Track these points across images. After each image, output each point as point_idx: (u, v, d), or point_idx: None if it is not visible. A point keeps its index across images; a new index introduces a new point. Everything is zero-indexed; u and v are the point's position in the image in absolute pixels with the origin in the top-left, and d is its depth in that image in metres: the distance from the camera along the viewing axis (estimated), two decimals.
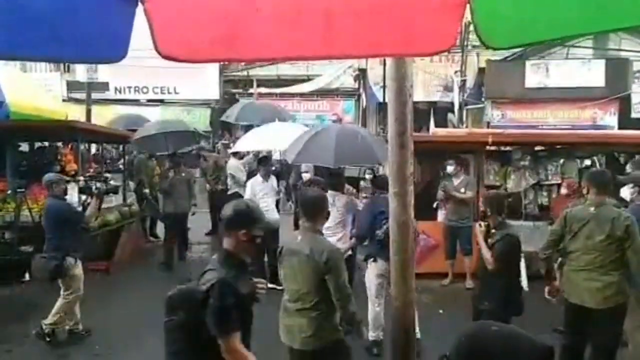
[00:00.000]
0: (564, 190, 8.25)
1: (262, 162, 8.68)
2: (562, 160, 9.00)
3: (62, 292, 5.99)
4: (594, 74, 15.40)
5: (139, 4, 1.57)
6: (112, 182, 7.36)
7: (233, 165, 10.49)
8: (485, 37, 2.08)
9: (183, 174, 9.52)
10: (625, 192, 5.78)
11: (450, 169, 8.47)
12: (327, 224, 5.66)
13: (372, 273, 5.91)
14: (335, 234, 6.13)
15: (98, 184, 6.51)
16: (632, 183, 5.75)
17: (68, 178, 6.83)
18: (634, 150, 9.75)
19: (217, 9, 1.67)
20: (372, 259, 5.88)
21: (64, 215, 5.95)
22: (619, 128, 14.78)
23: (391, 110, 2.78)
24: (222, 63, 16.23)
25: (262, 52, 1.81)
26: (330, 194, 5.90)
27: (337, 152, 6.27)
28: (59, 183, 6.14)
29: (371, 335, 5.75)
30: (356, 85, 18.56)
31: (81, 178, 7.37)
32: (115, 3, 1.56)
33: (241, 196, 10.44)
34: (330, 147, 6.32)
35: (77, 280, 6.03)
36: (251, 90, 18.11)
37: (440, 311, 7.18)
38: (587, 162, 9.96)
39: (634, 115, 15.30)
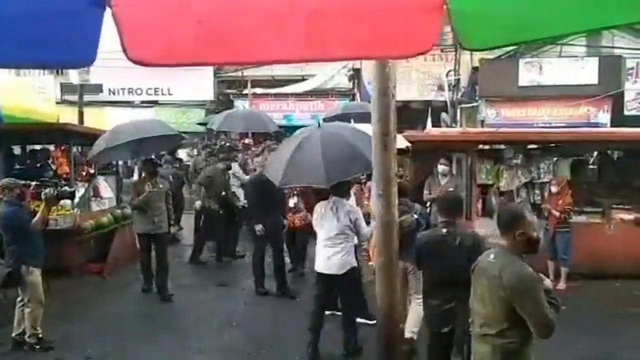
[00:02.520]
0: (553, 188, 8.30)
1: None
2: (554, 159, 9.03)
3: (25, 303, 5.90)
4: (587, 72, 15.40)
5: (107, 8, 1.57)
6: (65, 188, 6.93)
7: (235, 168, 10.65)
8: (463, 39, 2.10)
9: (161, 186, 8.11)
10: None
11: (442, 168, 8.49)
12: (327, 235, 5.66)
13: None
14: (335, 245, 5.63)
15: (46, 190, 6.14)
16: None
17: (24, 182, 6.57)
18: (627, 148, 9.80)
19: (191, 12, 1.68)
20: None
21: (15, 221, 5.81)
22: (612, 125, 14.78)
23: (374, 111, 2.80)
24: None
25: (238, 55, 1.82)
26: (332, 201, 5.76)
27: (327, 167, 5.40)
28: (12, 188, 5.95)
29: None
30: (351, 85, 18.56)
31: (32, 183, 6.95)
32: (83, 8, 1.56)
33: (237, 197, 10.41)
34: (317, 162, 5.45)
35: (32, 288, 5.86)
36: (245, 91, 18.11)
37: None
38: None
39: (626, 112, 15.32)
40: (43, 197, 5.97)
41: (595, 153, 10.50)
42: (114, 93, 18.32)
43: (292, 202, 8.62)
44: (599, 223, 8.70)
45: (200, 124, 17.41)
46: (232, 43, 1.75)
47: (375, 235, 2.87)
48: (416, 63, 16.69)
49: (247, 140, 14.17)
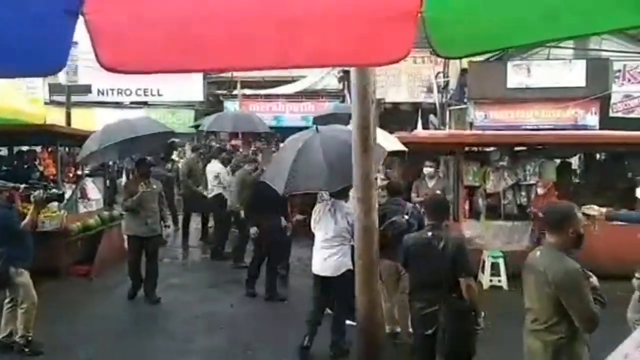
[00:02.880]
0: (539, 190, 8.38)
1: None
2: (540, 161, 9.10)
3: (18, 304, 5.88)
4: (575, 74, 15.51)
5: (80, 16, 1.58)
6: (54, 190, 6.81)
7: (218, 168, 10.51)
8: (438, 47, 2.13)
9: (154, 186, 7.84)
10: (638, 193, 5.90)
11: (427, 170, 8.54)
12: (324, 236, 5.68)
13: (383, 273, 6.02)
14: (332, 247, 5.64)
15: (36, 192, 6.09)
16: None
17: (13, 184, 6.55)
18: (611, 150, 9.90)
19: (163, 20, 1.69)
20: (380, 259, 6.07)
21: (4, 223, 5.78)
22: (600, 128, 14.92)
23: (354, 116, 2.82)
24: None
25: (210, 63, 1.83)
26: (331, 203, 5.76)
27: (331, 173, 5.30)
28: (1, 191, 5.97)
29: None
30: (341, 87, 18.61)
31: (21, 186, 6.69)
32: (55, 15, 1.57)
33: (224, 198, 10.45)
34: (321, 167, 5.36)
35: (24, 289, 5.84)
36: (235, 92, 18.08)
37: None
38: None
39: (612, 114, 15.46)
40: (32, 199, 5.94)
41: (581, 155, 10.60)
42: (103, 94, 18.25)
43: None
44: (584, 225, 8.75)
45: (193, 126, 17.42)
46: (204, 50, 1.77)
47: (355, 239, 2.89)
48: (406, 65, 16.77)
49: (234, 142, 14.16)
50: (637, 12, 2.04)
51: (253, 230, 7.86)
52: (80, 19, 1.61)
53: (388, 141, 7.49)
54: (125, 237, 8.14)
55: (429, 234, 4.45)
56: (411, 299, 4.65)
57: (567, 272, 3.22)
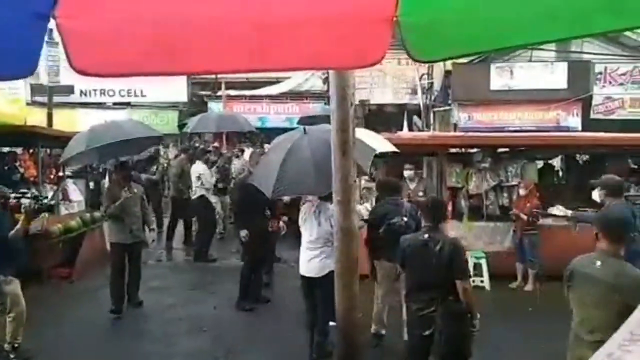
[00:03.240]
0: (521, 191, 8.46)
1: None
2: (522, 162, 9.19)
3: (5, 312, 5.79)
4: (557, 76, 15.71)
5: (51, 19, 1.57)
6: (44, 201, 6.66)
7: (201, 169, 10.45)
8: (412, 51, 2.14)
9: (135, 190, 7.59)
10: (595, 195, 6.01)
11: (408, 173, 8.59)
12: (308, 238, 5.65)
13: (379, 274, 6.24)
14: (316, 248, 5.58)
15: (27, 202, 6.01)
16: (599, 186, 5.98)
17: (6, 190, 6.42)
18: (592, 152, 10.03)
19: (138, 23, 1.68)
20: (378, 259, 6.19)
21: None
22: (582, 129, 15.12)
23: (333, 119, 2.83)
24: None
25: (186, 66, 1.83)
26: (316, 205, 5.71)
27: (319, 176, 5.08)
28: None
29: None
30: (325, 88, 18.60)
31: (11, 195, 6.55)
32: (26, 19, 1.55)
33: (208, 200, 10.41)
34: (309, 171, 5.24)
35: (12, 297, 5.76)
36: (220, 93, 18.01)
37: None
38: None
39: (593, 116, 15.67)
40: (23, 210, 5.92)
41: (563, 157, 10.72)
42: (85, 94, 18.05)
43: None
44: (566, 225, 8.86)
45: (180, 126, 17.35)
46: (179, 53, 1.76)
47: (335, 241, 2.90)
48: (390, 67, 16.86)
49: (217, 143, 14.12)
50: (614, 17, 2.07)
51: (243, 233, 7.63)
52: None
53: (377, 142, 7.54)
54: (108, 244, 7.89)
55: (426, 235, 4.47)
56: (407, 300, 4.69)
57: (638, 277, 3.25)
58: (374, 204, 7.03)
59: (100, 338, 6.53)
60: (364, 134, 7.56)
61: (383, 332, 6.22)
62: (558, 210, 6.98)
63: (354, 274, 2.87)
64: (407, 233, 5.14)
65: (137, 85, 17.83)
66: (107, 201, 7.51)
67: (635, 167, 9.63)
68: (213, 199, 11.07)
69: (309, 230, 5.69)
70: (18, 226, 5.78)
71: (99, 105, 18.02)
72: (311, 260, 5.64)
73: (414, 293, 4.55)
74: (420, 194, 8.33)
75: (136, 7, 1.73)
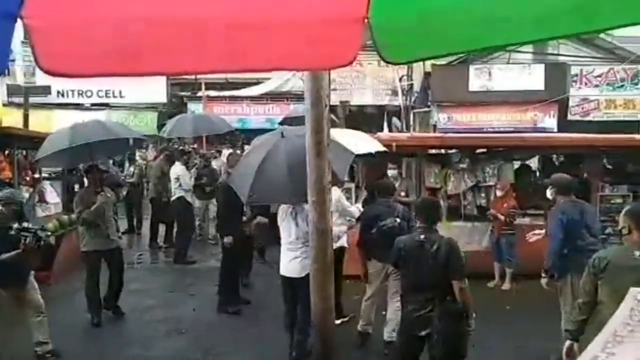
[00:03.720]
0: (498, 192, 8.57)
1: None
2: (499, 163, 9.30)
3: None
4: (534, 78, 15.95)
5: (19, 19, 1.56)
6: (46, 235, 6.22)
7: (179, 170, 10.40)
8: (383, 52, 2.16)
9: (109, 195, 7.26)
10: (547, 193, 6.17)
11: (391, 172, 8.64)
12: (287, 239, 5.60)
13: (370, 273, 6.28)
14: (296, 249, 5.47)
15: (27, 239, 5.48)
16: (550, 185, 6.14)
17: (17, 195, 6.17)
18: (567, 152, 10.19)
19: (108, 23, 1.68)
20: (369, 259, 6.21)
21: None
22: (558, 130, 15.35)
23: (308, 121, 2.84)
24: None
25: (157, 66, 1.83)
26: (293, 206, 5.60)
27: (293, 184, 5.03)
28: (10, 202, 5.73)
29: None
30: None
31: (14, 226, 5.75)
32: None
33: (186, 201, 10.35)
34: (284, 178, 5.16)
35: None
36: (199, 94, 17.90)
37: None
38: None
39: (570, 117, 15.92)
40: (22, 247, 5.51)
41: (540, 157, 10.87)
42: (63, 95, 17.83)
43: None
44: (542, 225, 8.97)
45: (158, 126, 17.19)
46: (150, 54, 1.76)
47: (310, 242, 2.90)
48: (370, 69, 16.95)
49: (196, 145, 14.04)
50: (582, 19, 2.11)
51: (229, 239, 7.46)
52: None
53: (365, 142, 7.58)
54: (82, 253, 7.32)
55: (422, 236, 4.47)
56: (403, 301, 4.71)
57: None
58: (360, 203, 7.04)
59: (78, 341, 6.47)
60: (350, 134, 7.60)
61: (370, 330, 6.27)
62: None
63: (330, 274, 2.88)
64: (400, 234, 5.13)
65: (115, 86, 17.65)
66: (80, 206, 7.07)
67: (610, 167, 9.80)
68: (198, 203, 11.03)
69: (287, 231, 5.70)
70: (13, 254, 5.53)
71: (77, 106, 17.82)
72: (292, 261, 5.64)
73: (409, 294, 4.56)
74: (402, 194, 8.39)
75: (105, 8, 1.72)
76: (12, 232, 5.56)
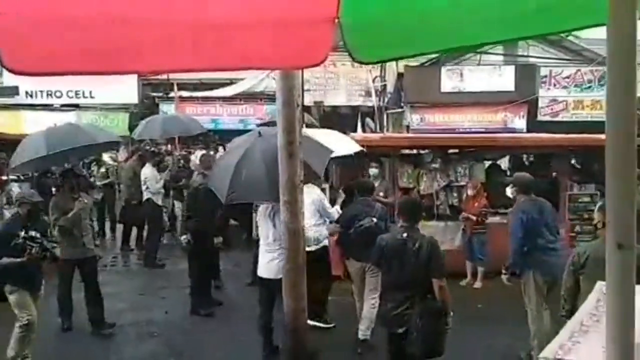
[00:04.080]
0: (470, 191, 8.68)
1: None
2: (470, 163, 9.42)
3: None
4: (504, 79, 16.14)
5: None
6: (52, 243, 5.81)
7: (147, 172, 10.21)
8: (354, 52, 2.17)
9: (86, 201, 7.03)
10: (508, 192, 6.41)
11: (373, 171, 8.69)
12: (265, 240, 5.49)
13: (350, 272, 6.36)
14: (274, 250, 5.32)
15: (34, 250, 5.38)
16: (511, 184, 6.34)
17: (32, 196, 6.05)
18: (537, 152, 10.37)
19: (74, 21, 1.64)
20: (347, 258, 6.29)
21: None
22: (528, 130, 15.58)
23: (279, 121, 2.84)
24: None
25: (125, 65, 1.81)
26: (271, 206, 5.45)
27: (270, 183, 4.93)
28: (25, 202, 5.65)
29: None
30: None
31: (22, 234, 5.57)
32: None
33: (155, 204, 10.08)
34: (261, 177, 5.10)
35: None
36: (172, 94, 17.69)
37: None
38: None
39: (540, 118, 16.18)
40: (26, 257, 5.42)
41: (510, 157, 11.04)
42: (31, 96, 17.40)
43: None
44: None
45: (130, 127, 16.94)
46: (118, 52, 1.74)
47: (283, 243, 2.89)
48: (344, 69, 16.97)
49: (169, 146, 13.89)
50: (547, 21, 2.15)
51: (184, 238, 7.54)
52: None
53: (343, 143, 7.61)
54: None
55: (404, 235, 4.56)
56: (382, 299, 4.78)
57: None
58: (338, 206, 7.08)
59: (48, 345, 6.34)
60: (329, 134, 7.60)
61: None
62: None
63: (302, 274, 2.88)
64: (377, 234, 5.20)
65: (85, 87, 17.31)
66: (56, 212, 6.74)
67: (579, 167, 10.00)
68: (178, 204, 10.86)
69: (265, 233, 5.67)
70: (16, 261, 5.47)
71: (46, 107, 17.45)
72: (270, 262, 5.61)
73: (389, 292, 4.64)
74: (381, 194, 8.43)
75: (72, 6, 1.69)
76: (19, 241, 5.41)
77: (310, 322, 6.45)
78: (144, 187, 10.04)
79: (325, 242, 6.71)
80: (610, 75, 1.26)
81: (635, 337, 1.14)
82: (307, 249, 5.91)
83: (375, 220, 5.99)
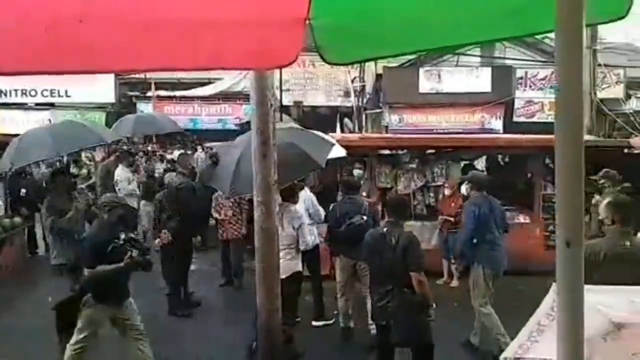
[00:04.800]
0: (446, 191, 8.76)
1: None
2: (447, 163, 9.51)
3: None
4: (481, 80, 16.37)
5: None
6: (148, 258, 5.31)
7: (119, 173, 9.89)
8: (325, 53, 2.19)
9: (80, 201, 6.82)
10: (463, 189, 6.78)
11: (357, 172, 8.71)
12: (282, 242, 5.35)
13: (337, 269, 6.50)
14: (280, 251, 5.49)
15: (134, 253, 4.81)
16: (467, 181, 6.62)
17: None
18: (512, 153, 10.50)
19: (37, 20, 1.63)
20: (336, 256, 6.45)
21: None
22: (504, 131, 15.80)
23: (253, 122, 2.85)
24: None
25: (89, 64, 1.79)
26: (279, 207, 5.42)
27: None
28: (114, 207, 5.19)
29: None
30: None
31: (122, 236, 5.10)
32: None
33: (130, 206, 9.80)
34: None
35: None
36: (149, 93, 17.56)
37: (335, 312, 7.35)
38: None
39: (516, 119, 16.42)
40: (126, 261, 4.87)
41: (486, 157, 11.16)
42: (5, 94, 17.18)
43: (224, 213, 8.30)
44: None
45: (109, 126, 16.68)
46: (83, 51, 1.73)
47: (256, 242, 2.90)
48: (322, 70, 17.02)
49: (149, 148, 13.76)
50: (516, 24, 2.19)
51: (158, 241, 7.47)
52: None
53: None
54: (53, 267, 6.66)
55: (385, 229, 4.71)
56: (370, 292, 4.99)
57: None
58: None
59: (20, 347, 6.23)
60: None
61: (351, 324, 6.47)
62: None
63: (276, 275, 2.88)
64: (367, 231, 5.29)
65: (61, 86, 17.11)
66: (51, 214, 6.41)
67: (553, 167, 10.13)
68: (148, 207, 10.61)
69: None
70: (111, 267, 4.90)
71: (20, 106, 17.20)
72: None
73: (373, 285, 4.82)
74: (364, 194, 8.45)
75: (39, 4, 1.68)
76: (119, 243, 4.94)
77: (315, 323, 6.78)
78: (116, 188, 9.55)
79: (317, 241, 6.82)
80: (560, 80, 1.29)
81: (584, 333, 1.19)
82: (305, 248, 6.08)
83: (365, 218, 6.14)
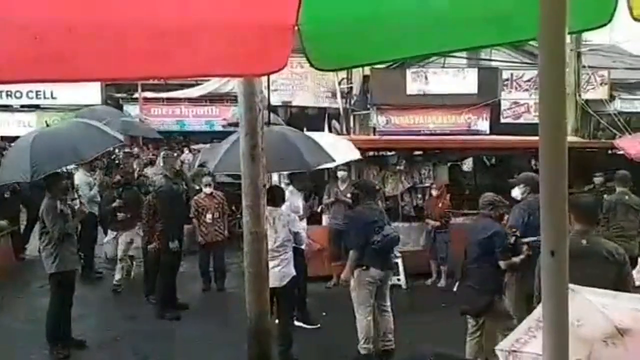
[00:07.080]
0: (434, 192, 8.82)
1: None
2: (434, 164, 9.59)
3: None
4: (468, 82, 16.44)
5: None
6: None
7: (78, 179, 8.95)
8: (313, 59, 2.20)
9: (76, 206, 6.57)
10: (516, 192, 6.01)
11: (341, 174, 8.73)
12: (269, 247, 5.48)
13: (359, 281, 5.81)
14: (274, 257, 5.14)
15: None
16: (522, 184, 5.99)
17: None
18: (498, 154, 10.61)
19: (26, 28, 1.63)
20: (363, 267, 5.77)
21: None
22: (491, 132, 15.90)
23: (242, 126, 2.86)
24: None
25: (79, 73, 1.80)
26: (268, 211, 5.42)
27: (276, 158, 4.99)
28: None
29: (362, 347, 5.80)
30: None
31: None
32: None
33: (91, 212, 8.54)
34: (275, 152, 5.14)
35: None
36: (136, 95, 17.46)
37: (324, 313, 7.37)
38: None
39: (502, 120, 16.53)
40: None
41: (473, 158, 11.26)
42: None
43: (209, 216, 8.26)
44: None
45: None
46: (72, 60, 1.73)
47: (245, 246, 2.91)
48: (310, 71, 16.99)
49: (131, 150, 13.70)
50: (500, 31, 2.22)
51: (174, 244, 7.40)
52: None
53: (346, 150, 7.71)
54: (53, 275, 6.17)
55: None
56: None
57: None
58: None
59: (7, 350, 6.19)
60: (330, 142, 7.58)
61: (372, 348, 5.92)
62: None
63: (265, 279, 2.90)
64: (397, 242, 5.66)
65: (47, 87, 16.95)
66: (52, 219, 5.94)
67: (538, 168, 10.23)
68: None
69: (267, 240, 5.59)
70: None
71: (5, 108, 17.03)
72: (271, 270, 5.49)
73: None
74: (349, 195, 8.48)
75: (21, 12, 1.67)
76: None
77: (296, 322, 6.58)
78: (76, 195, 7.79)
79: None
80: (542, 87, 1.31)
81: (569, 341, 1.21)
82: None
83: (393, 229, 6.07)
